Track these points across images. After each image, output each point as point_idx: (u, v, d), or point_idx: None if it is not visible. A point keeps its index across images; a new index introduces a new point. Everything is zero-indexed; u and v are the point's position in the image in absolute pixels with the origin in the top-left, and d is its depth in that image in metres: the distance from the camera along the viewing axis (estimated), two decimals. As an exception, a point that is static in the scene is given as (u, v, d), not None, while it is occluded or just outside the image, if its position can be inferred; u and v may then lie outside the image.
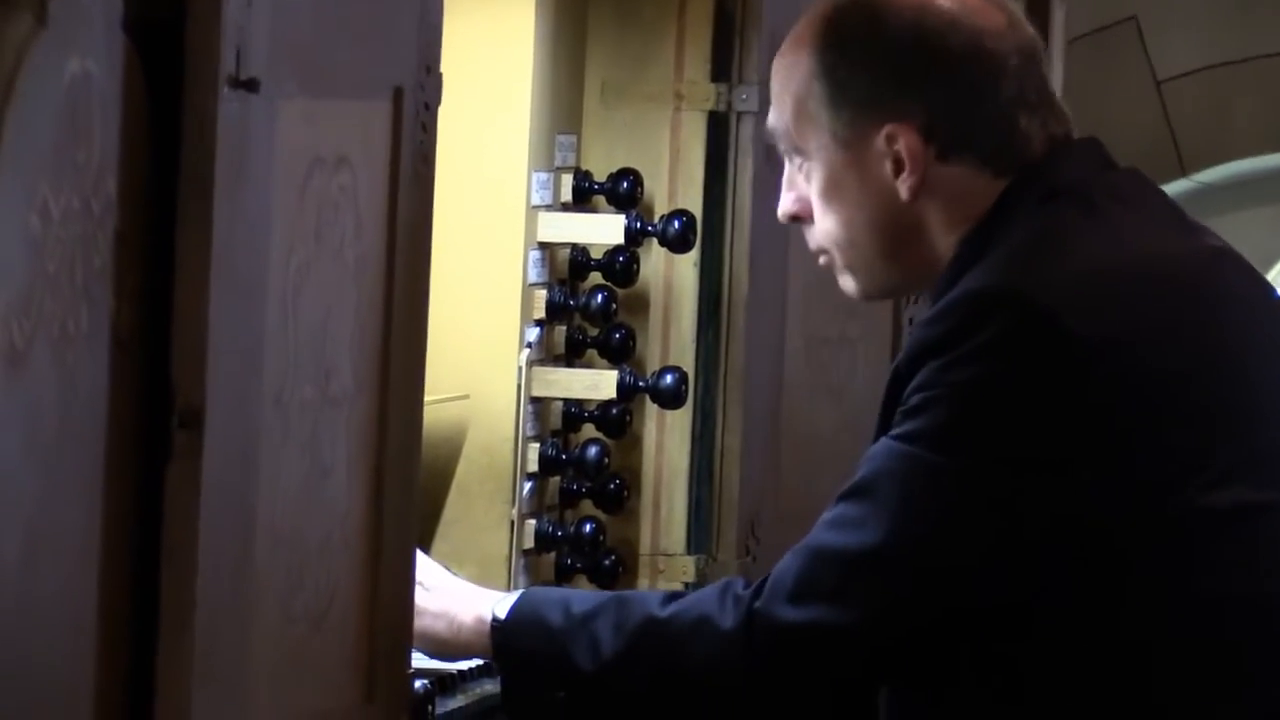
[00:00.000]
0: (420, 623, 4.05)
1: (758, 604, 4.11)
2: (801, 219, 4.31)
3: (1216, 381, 4.17)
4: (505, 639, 4.25)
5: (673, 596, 4.28)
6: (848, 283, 4.32)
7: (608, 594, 4.47)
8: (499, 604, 4.26)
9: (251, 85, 3.48)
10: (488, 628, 4.23)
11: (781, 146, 4.32)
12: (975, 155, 4.23)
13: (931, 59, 4.23)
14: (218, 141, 3.45)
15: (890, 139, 4.20)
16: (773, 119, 4.32)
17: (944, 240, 4.24)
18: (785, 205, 4.33)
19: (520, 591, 4.50)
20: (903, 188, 4.20)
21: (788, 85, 4.27)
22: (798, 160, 4.29)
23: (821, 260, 4.34)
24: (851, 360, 4.55)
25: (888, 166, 4.20)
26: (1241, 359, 4.25)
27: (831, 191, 4.25)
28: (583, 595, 4.38)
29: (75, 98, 3.30)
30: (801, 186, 4.29)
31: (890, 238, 4.26)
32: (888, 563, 4.06)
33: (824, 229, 4.28)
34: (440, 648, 4.22)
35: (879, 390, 4.14)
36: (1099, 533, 4.05)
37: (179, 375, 3.44)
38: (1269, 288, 4.51)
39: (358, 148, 3.75)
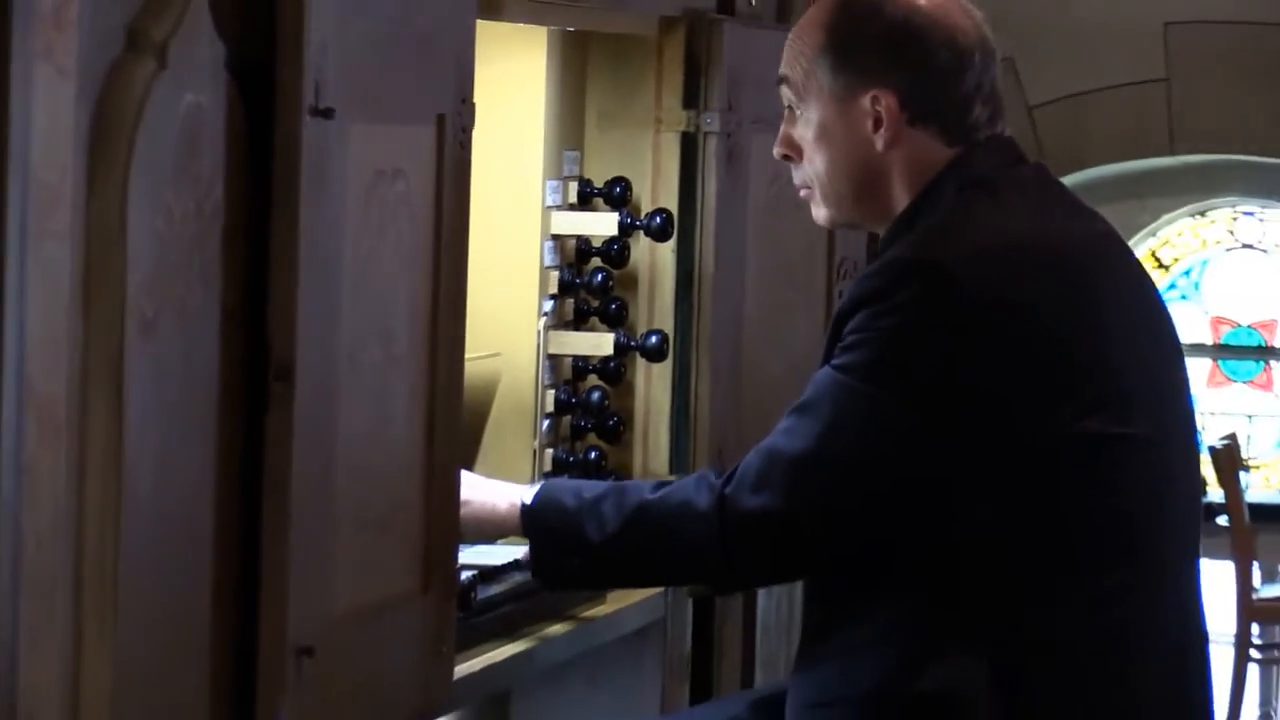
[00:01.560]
0: (467, 510, 4.08)
1: (727, 490, 4.16)
2: (790, 158, 4.37)
3: (1087, 337, 4.18)
4: (531, 519, 4.28)
5: (661, 485, 4.30)
6: (820, 212, 4.39)
7: (612, 483, 4.49)
8: (526, 493, 4.31)
9: (327, 113, 3.48)
10: (518, 511, 4.27)
11: (787, 95, 4.37)
12: (937, 125, 4.27)
13: (915, 44, 4.27)
14: (301, 158, 3.46)
15: (875, 100, 4.24)
16: (786, 72, 4.37)
17: (899, 195, 4.29)
18: (779, 146, 4.39)
19: (542, 482, 4.55)
20: (879, 140, 4.25)
21: (803, 50, 4.33)
22: (799, 109, 4.33)
23: (803, 193, 4.40)
24: (794, 322, 4.55)
25: (869, 123, 4.25)
26: (1110, 320, 4.25)
27: (822, 137, 4.30)
28: (591, 484, 4.40)
29: (189, 124, 3.30)
30: (795, 133, 4.35)
31: (861, 181, 4.31)
32: (822, 462, 4.10)
33: (812, 167, 4.33)
34: (483, 529, 4.27)
35: (817, 345, 4.20)
36: (986, 452, 4.08)
37: (274, 340, 3.44)
38: (1140, 267, 4.59)
39: (410, 162, 3.76)
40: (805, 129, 4.32)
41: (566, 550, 4.27)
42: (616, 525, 4.22)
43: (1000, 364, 4.10)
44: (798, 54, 4.33)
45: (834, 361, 4.14)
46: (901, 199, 4.28)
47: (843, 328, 4.14)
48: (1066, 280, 4.22)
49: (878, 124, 4.25)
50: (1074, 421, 4.11)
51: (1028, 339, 4.12)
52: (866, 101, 4.25)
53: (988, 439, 4.10)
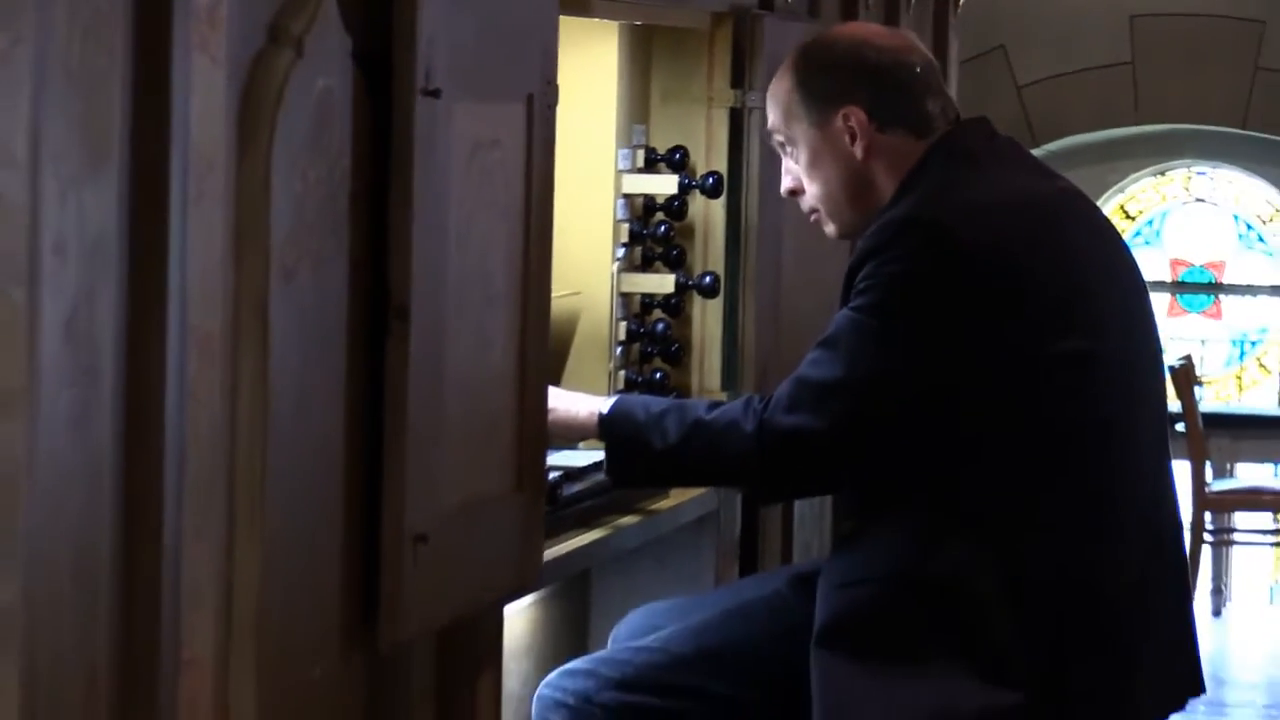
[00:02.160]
0: (553, 418, 4.11)
1: (765, 414, 4.17)
2: (796, 193, 4.40)
3: (1061, 273, 4.21)
4: (606, 426, 4.31)
5: (715, 405, 4.35)
6: (830, 229, 4.42)
7: (674, 400, 4.57)
8: (603, 404, 4.35)
9: (435, 94, 3.48)
10: (596, 419, 4.30)
11: (777, 139, 4.41)
12: (903, 126, 4.29)
13: (867, 64, 4.33)
14: (414, 131, 3.46)
15: (845, 117, 4.27)
16: (771, 122, 4.41)
17: (888, 189, 4.29)
18: (785, 185, 4.43)
19: (618, 395, 4.59)
20: (858, 149, 4.27)
21: (778, 98, 4.37)
22: (789, 149, 4.37)
23: (812, 218, 4.43)
24: (824, 265, 4.55)
25: (846, 138, 4.27)
26: (1079, 261, 4.28)
27: (813, 162, 4.33)
28: (657, 400, 4.46)
29: (321, 104, 3.30)
30: (794, 170, 4.38)
31: (852, 189, 4.33)
32: (843, 385, 4.13)
33: (812, 193, 4.36)
34: (566, 434, 4.30)
35: (840, 282, 4.17)
36: (981, 371, 4.12)
37: (393, 284, 3.44)
38: (1101, 215, 4.65)
39: (504, 134, 3.77)
40: (799, 163, 4.36)
41: (634, 455, 4.29)
42: (675, 437, 4.24)
43: (989, 298, 4.13)
44: (777, 102, 4.39)
45: (850, 304, 4.17)
46: (889, 192, 4.30)
47: (854, 278, 4.18)
48: (1040, 227, 4.27)
49: (853, 137, 4.29)
50: (1055, 342, 4.14)
51: (1011, 276, 4.15)
52: (839, 120, 4.29)
53: (981, 361, 4.12)
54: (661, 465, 4.32)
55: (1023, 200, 4.29)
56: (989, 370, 4.13)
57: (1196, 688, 4.43)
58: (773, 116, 4.41)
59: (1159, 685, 4.38)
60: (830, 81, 4.32)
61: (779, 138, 4.41)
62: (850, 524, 4.27)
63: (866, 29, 4.49)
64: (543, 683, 4.41)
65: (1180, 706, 4.41)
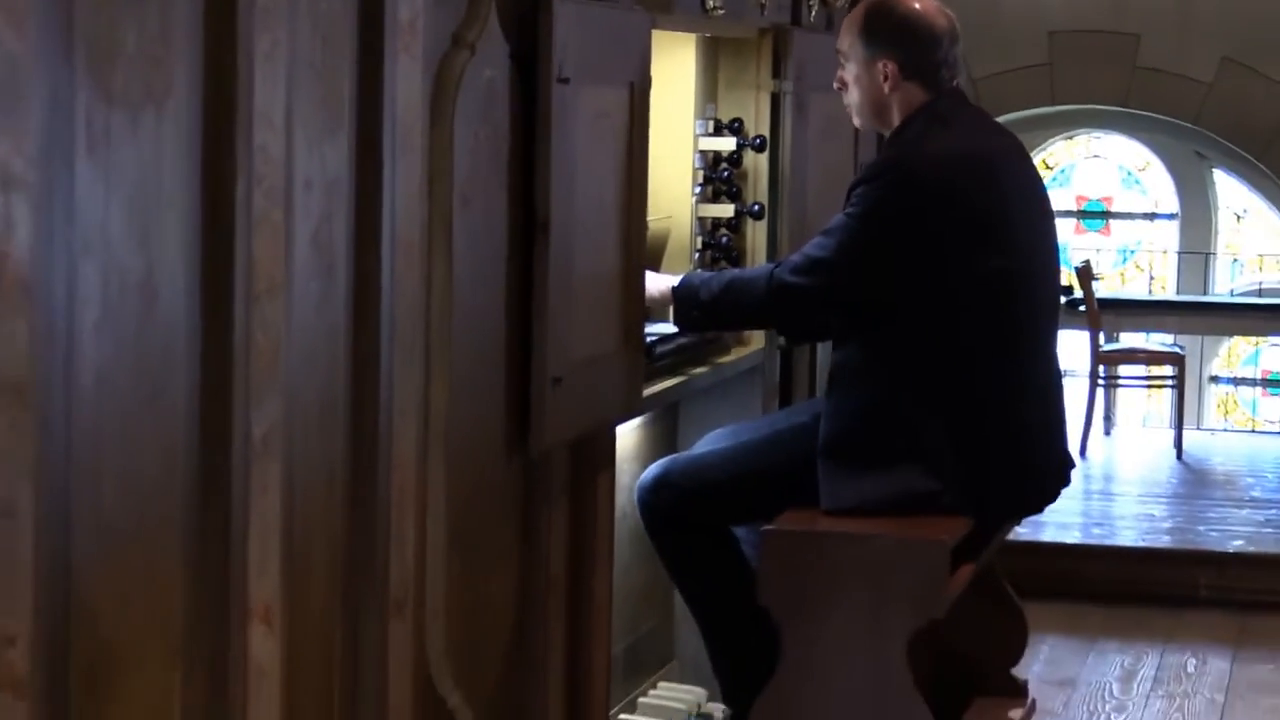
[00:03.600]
0: (647, 290, 4.05)
1: (776, 271, 4.20)
2: (842, 89, 4.36)
3: (995, 209, 4.17)
4: (676, 291, 4.27)
5: (751, 272, 4.43)
6: (856, 120, 4.40)
7: (731, 271, 4.56)
8: (675, 279, 4.31)
9: (566, 81, 3.45)
10: (670, 288, 4.26)
11: (840, 52, 4.34)
12: (919, 81, 4.24)
13: (907, 32, 4.26)
14: (552, 106, 3.42)
15: (884, 65, 4.23)
16: (839, 44, 4.35)
17: (896, 116, 4.26)
18: (837, 82, 4.38)
19: (686, 272, 4.55)
20: (886, 87, 4.23)
21: (848, 32, 4.32)
22: (845, 63, 4.33)
23: (848, 108, 4.40)
24: (833, 201, 4.47)
25: (880, 77, 4.23)
26: (1011, 198, 4.23)
27: (856, 82, 4.29)
28: (717, 273, 4.46)
29: (488, 88, 3.28)
30: (845, 77, 4.33)
31: (875, 109, 4.30)
32: (831, 262, 4.12)
33: (850, 97, 4.34)
34: (656, 302, 4.21)
35: (841, 201, 4.17)
36: (928, 274, 4.09)
37: (539, 208, 3.41)
38: (1033, 167, 4.58)
39: (614, 109, 3.74)
40: (848, 74, 4.30)
41: (690, 306, 4.25)
42: (717, 290, 4.24)
43: (937, 221, 4.08)
44: (846, 34, 4.32)
45: (845, 210, 4.15)
46: (896, 119, 4.25)
47: (851, 194, 4.16)
48: (984, 173, 4.20)
49: (885, 77, 4.22)
50: (984, 260, 4.11)
51: (956, 207, 4.10)
52: (880, 65, 4.22)
53: (929, 266, 4.09)
54: (707, 311, 4.28)
55: (975, 153, 4.22)
56: (934, 274, 4.09)
57: (1066, 475, 4.46)
58: (842, 41, 4.35)
59: (1052, 471, 4.39)
60: (881, 38, 4.25)
61: (841, 53, 4.36)
62: (837, 368, 4.24)
63: (927, 6, 4.36)
64: (643, 474, 4.41)
65: (1064, 484, 4.47)
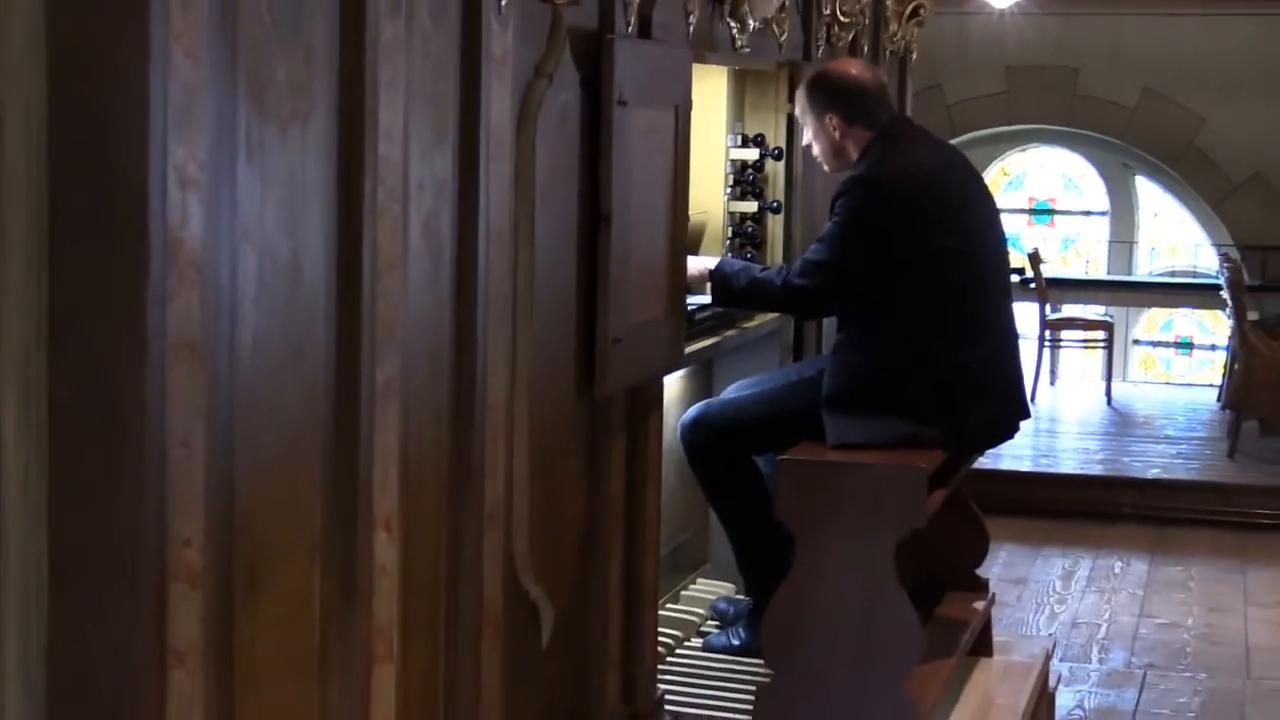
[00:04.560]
0: (689, 270, 4.00)
1: (786, 275, 4.16)
2: (809, 147, 4.32)
3: (945, 206, 4.12)
4: (713, 275, 4.24)
5: (766, 269, 4.33)
6: (825, 167, 4.34)
7: (749, 263, 4.44)
8: (712, 262, 4.28)
9: (624, 103, 3.41)
10: (708, 272, 4.23)
11: (801, 122, 4.32)
12: (861, 124, 4.18)
13: (842, 92, 4.21)
14: (613, 124, 3.39)
15: (830, 120, 4.19)
16: (796, 112, 4.36)
17: (854, 154, 4.19)
18: (804, 142, 4.36)
19: (720, 257, 4.52)
20: (837, 135, 4.19)
21: (799, 102, 4.30)
22: (806, 127, 4.30)
23: (817, 159, 4.34)
24: (833, 192, 4.44)
25: (831, 129, 4.20)
26: (956, 197, 4.19)
27: (815, 137, 4.25)
28: (742, 263, 4.39)
29: (563, 109, 3.24)
30: (808, 136, 4.30)
31: (834, 153, 4.25)
32: (826, 264, 4.08)
33: (815, 149, 4.29)
34: (695, 281, 4.15)
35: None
36: (899, 260, 4.05)
37: (602, 203, 3.39)
38: (973, 171, 4.46)
39: (662, 126, 3.71)
40: (809, 134, 4.29)
41: (724, 290, 4.23)
42: (744, 284, 4.20)
43: (901, 221, 4.05)
44: (799, 104, 4.32)
45: (831, 221, 4.11)
46: (854, 155, 4.20)
47: (833, 206, 4.12)
48: (933, 180, 4.16)
49: (835, 129, 4.20)
50: (942, 240, 4.07)
51: (914, 209, 4.06)
52: (827, 120, 4.21)
53: (899, 252, 4.05)
54: (738, 298, 4.25)
55: (924, 166, 4.16)
56: (904, 259, 4.05)
57: (1026, 412, 4.42)
58: (798, 110, 4.34)
59: (1009, 415, 4.34)
60: (822, 102, 4.21)
61: (800, 119, 4.33)
62: (839, 339, 4.20)
63: (845, 66, 4.34)
64: (684, 415, 4.39)
65: (1017, 428, 4.43)
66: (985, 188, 4.47)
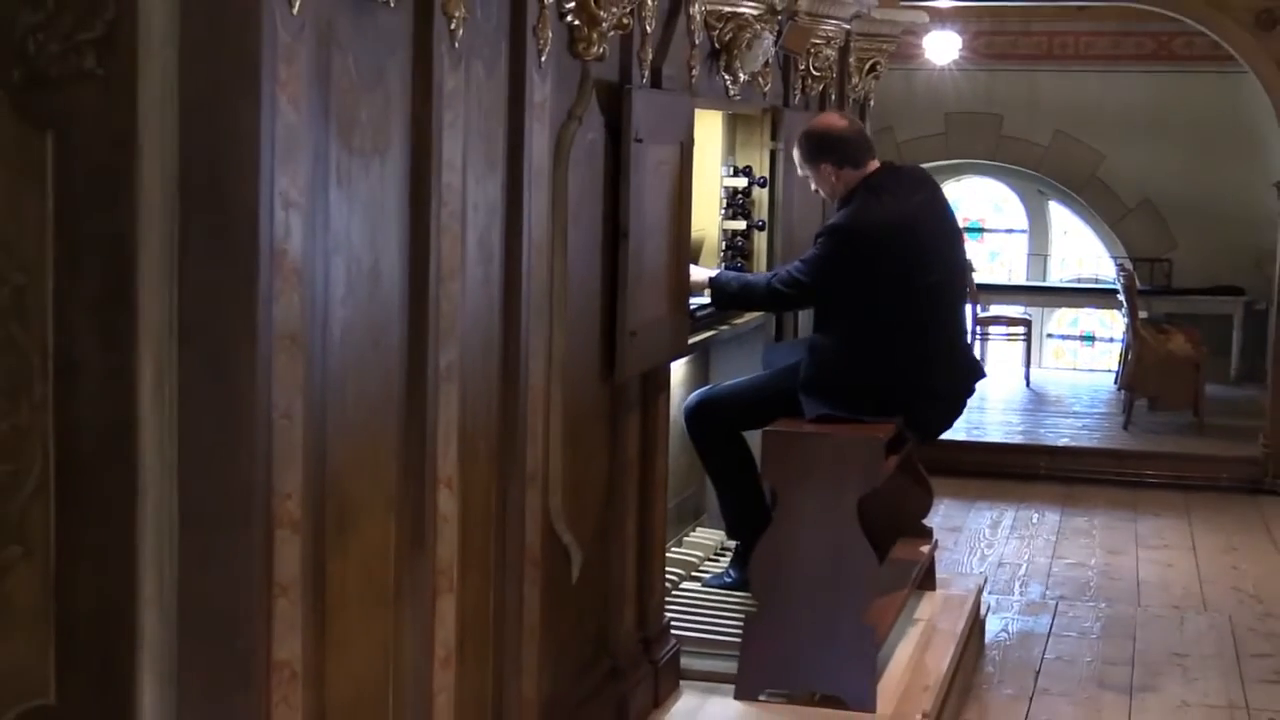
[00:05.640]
0: (691, 279, 3.94)
1: (773, 282, 4.14)
2: (809, 183, 4.29)
3: (916, 248, 4.09)
4: (713, 282, 4.21)
5: (758, 275, 4.33)
6: (824, 197, 4.32)
7: (742, 274, 4.46)
8: (712, 272, 4.27)
9: (640, 141, 3.39)
10: (707, 280, 4.20)
11: (802, 172, 4.30)
12: (850, 167, 4.16)
13: (827, 144, 4.18)
14: (631, 158, 3.36)
15: (824, 167, 4.18)
16: (797, 164, 4.31)
17: (842, 191, 4.16)
18: (812, 185, 4.31)
19: (720, 270, 4.49)
20: (833, 178, 4.17)
21: (796, 156, 4.28)
22: (807, 174, 4.27)
23: (818, 194, 4.33)
24: (812, 222, 4.41)
25: (827, 174, 4.17)
26: (928, 240, 4.15)
27: (813, 180, 4.23)
28: (737, 274, 4.40)
29: (591, 145, 3.22)
30: (814, 184, 4.27)
31: (831, 190, 4.21)
32: (806, 279, 4.07)
33: (822, 191, 4.26)
34: (695, 288, 4.10)
35: (813, 232, 4.15)
36: (866, 286, 4.05)
37: (622, 222, 3.36)
38: (947, 209, 4.35)
39: (670, 159, 3.67)
40: (810, 179, 4.26)
41: (722, 294, 4.20)
42: (736, 288, 4.19)
43: (864, 265, 4.04)
44: (796, 156, 4.29)
45: (814, 247, 4.10)
46: (843, 192, 4.16)
47: (817, 239, 4.10)
48: (910, 231, 4.10)
49: (830, 175, 4.17)
50: (916, 279, 4.05)
51: (877, 255, 4.04)
52: (821, 168, 4.18)
53: (862, 286, 4.03)
54: (732, 299, 4.22)
55: (901, 213, 4.10)
56: (866, 288, 4.03)
57: (962, 405, 4.37)
58: (797, 162, 4.30)
59: (946, 403, 4.31)
60: (813, 153, 4.19)
61: (800, 170, 4.29)
62: (814, 337, 4.18)
63: (831, 120, 4.29)
64: (687, 399, 4.38)
65: (971, 392, 4.39)
66: (951, 221, 4.39)
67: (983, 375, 4.44)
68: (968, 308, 10.22)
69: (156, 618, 1.97)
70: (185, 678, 1.98)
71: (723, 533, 4.77)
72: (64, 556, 1.99)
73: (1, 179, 1.96)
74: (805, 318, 4.99)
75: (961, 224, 13.46)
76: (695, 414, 4.32)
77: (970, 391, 4.39)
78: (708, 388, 4.42)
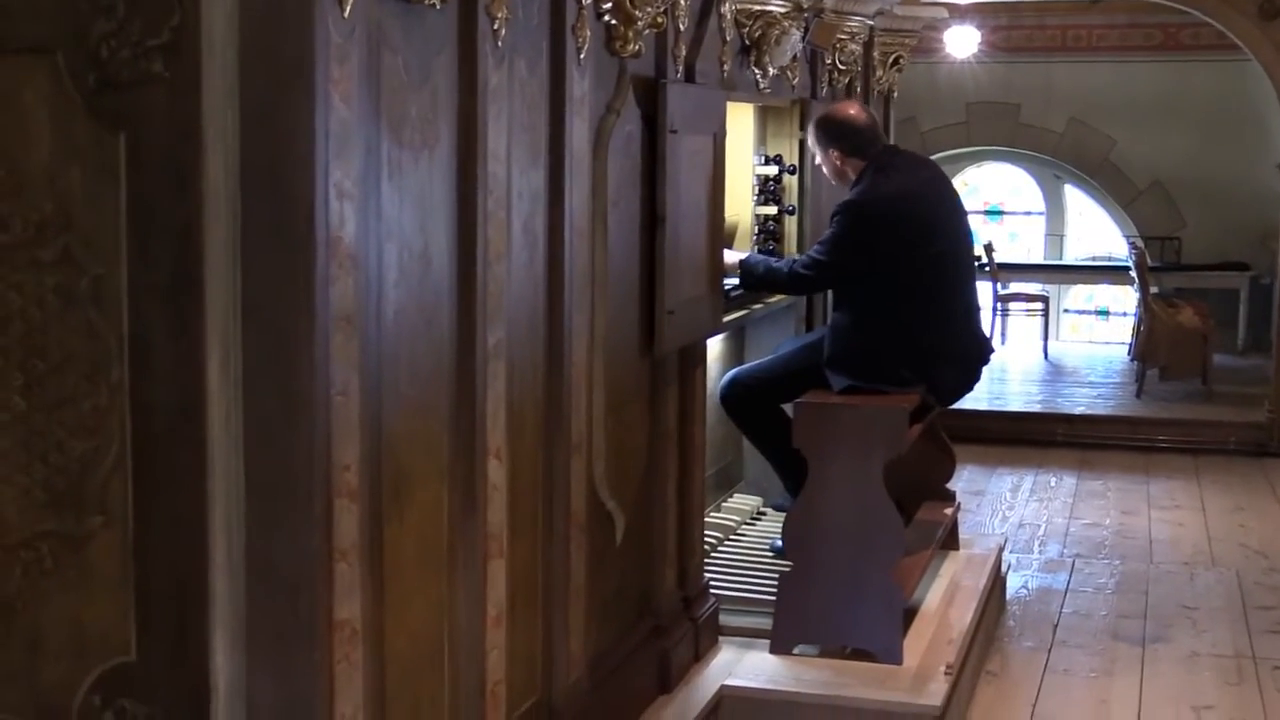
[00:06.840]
0: (724, 261, 3.88)
1: (793, 266, 4.08)
2: (820, 167, 4.22)
3: (921, 221, 4.01)
4: (743, 264, 4.16)
5: (782, 259, 4.27)
6: (834, 183, 4.23)
7: (769, 257, 4.38)
8: (743, 255, 4.21)
9: (675, 132, 3.35)
10: (739, 262, 4.15)
11: (812, 151, 4.24)
12: (858, 156, 4.09)
13: (842, 130, 4.12)
14: (666, 149, 3.32)
15: (832, 153, 4.11)
16: (809, 147, 4.27)
17: (852, 176, 4.10)
18: (816, 161, 4.24)
19: (749, 254, 4.39)
20: (838, 163, 4.10)
21: (810, 139, 4.23)
22: (817, 157, 4.21)
23: (827, 176, 4.23)
24: (834, 199, 4.36)
25: (834, 159, 4.11)
26: (932, 212, 4.07)
27: (823, 164, 4.17)
28: (765, 257, 4.31)
29: (628, 138, 3.19)
30: (819, 163, 4.20)
31: (838, 175, 4.15)
32: (823, 260, 4.01)
33: (826, 170, 4.19)
34: (729, 270, 4.05)
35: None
36: (886, 262, 3.97)
37: (659, 208, 3.34)
38: (952, 188, 4.30)
39: (704, 149, 3.64)
40: (820, 162, 4.20)
41: (751, 276, 4.14)
42: (763, 272, 4.12)
43: (879, 236, 3.97)
44: (810, 139, 4.24)
45: (829, 228, 4.03)
46: (853, 178, 4.10)
47: (832, 219, 4.03)
48: (918, 201, 4.04)
49: (838, 159, 4.11)
50: (923, 248, 3.98)
51: (890, 226, 3.97)
52: (831, 153, 4.12)
53: (879, 259, 3.96)
54: (760, 281, 4.16)
55: (909, 188, 4.04)
56: (883, 261, 3.96)
57: (979, 372, 4.31)
58: (809, 142, 4.26)
59: (964, 372, 4.26)
60: (826, 139, 4.13)
61: (811, 150, 4.25)
62: (835, 315, 4.13)
63: (845, 109, 4.21)
64: (722, 378, 4.35)
65: (984, 363, 4.31)
66: (955, 197, 4.32)
67: (991, 350, 4.38)
68: (987, 285, 10.35)
69: (226, 581, 1.97)
70: (253, 636, 1.98)
71: (758, 498, 4.75)
72: (141, 526, 2.00)
73: (80, 178, 1.98)
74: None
75: (983, 206, 13.40)
76: (728, 396, 4.29)
77: (984, 360, 4.33)
78: (736, 370, 4.39)
